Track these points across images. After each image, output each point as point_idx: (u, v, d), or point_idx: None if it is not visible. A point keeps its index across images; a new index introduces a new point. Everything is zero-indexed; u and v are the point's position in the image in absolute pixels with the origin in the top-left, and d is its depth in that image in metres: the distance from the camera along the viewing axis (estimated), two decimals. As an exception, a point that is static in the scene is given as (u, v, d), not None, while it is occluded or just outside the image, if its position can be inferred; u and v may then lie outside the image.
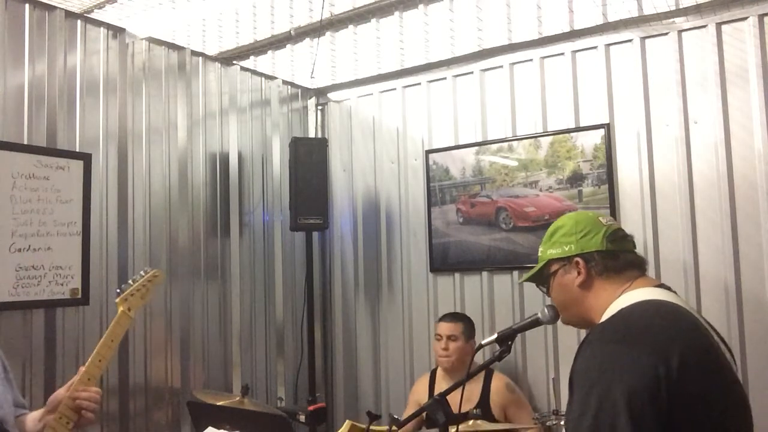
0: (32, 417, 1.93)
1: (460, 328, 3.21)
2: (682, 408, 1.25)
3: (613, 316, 1.45)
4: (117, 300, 2.05)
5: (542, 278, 1.68)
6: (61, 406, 1.85)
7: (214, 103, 3.65)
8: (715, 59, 2.96)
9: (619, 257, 1.57)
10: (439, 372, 3.29)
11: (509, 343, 1.77)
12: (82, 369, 1.92)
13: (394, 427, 1.72)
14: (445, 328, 3.22)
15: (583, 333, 3.18)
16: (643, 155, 3.12)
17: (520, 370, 3.39)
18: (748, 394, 1.45)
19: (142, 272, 2.12)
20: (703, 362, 1.32)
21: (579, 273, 1.57)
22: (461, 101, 3.69)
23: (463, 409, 2.27)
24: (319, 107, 4.29)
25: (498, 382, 3.13)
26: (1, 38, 2.69)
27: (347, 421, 2.12)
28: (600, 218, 1.63)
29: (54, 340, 2.77)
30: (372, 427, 1.81)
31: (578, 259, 1.58)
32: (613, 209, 3.15)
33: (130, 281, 2.09)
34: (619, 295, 1.51)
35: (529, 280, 1.73)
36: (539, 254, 1.69)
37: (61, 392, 1.89)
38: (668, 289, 1.53)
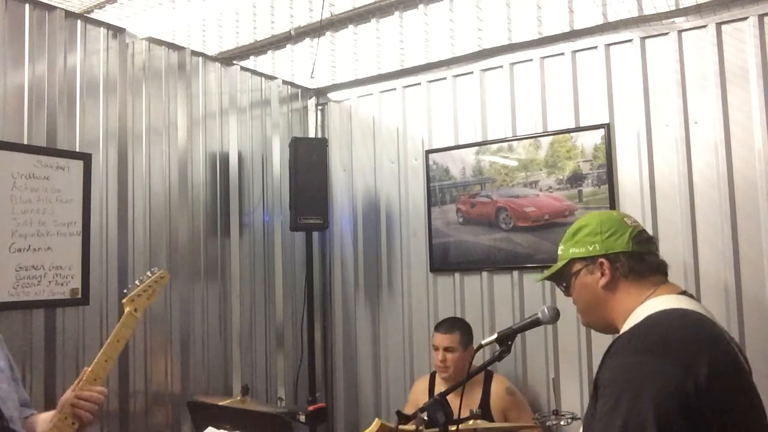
0: (43, 418, 1.95)
1: (456, 338, 3.12)
2: (709, 418, 1.25)
3: (638, 324, 1.43)
4: (123, 300, 2.06)
5: (562, 277, 1.65)
6: (66, 406, 1.87)
7: (214, 103, 3.65)
8: (715, 59, 2.96)
9: (644, 260, 1.55)
10: (438, 376, 3.27)
11: (509, 343, 1.76)
12: (87, 370, 1.94)
13: (421, 428, 1.71)
14: (442, 339, 3.13)
15: (585, 334, 3.19)
16: (643, 155, 3.12)
17: (520, 370, 3.39)
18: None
19: (149, 273, 2.15)
20: (729, 372, 1.32)
21: (603, 274, 1.55)
22: (461, 101, 3.69)
23: (463, 414, 2.26)
24: (319, 107, 4.29)
25: (498, 385, 3.11)
26: (1, 38, 2.69)
27: (376, 419, 2.12)
28: (625, 219, 1.61)
29: (54, 340, 2.77)
30: (401, 427, 1.80)
31: (603, 259, 1.55)
32: (613, 209, 3.14)
33: (136, 282, 2.12)
34: (643, 301, 1.49)
35: (548, 278, 1.71)
36: (559, 252, 1.66)
37: (69, 393, 1.91)
38: (691, 296, 1.51)
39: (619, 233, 1.57)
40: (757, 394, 1.38)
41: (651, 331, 1.40)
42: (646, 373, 1.29)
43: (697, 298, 2.88)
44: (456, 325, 3.21)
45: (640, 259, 1.55)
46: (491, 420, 3.00)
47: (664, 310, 1.44)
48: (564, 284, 1.67)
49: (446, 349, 3.11)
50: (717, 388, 1.27)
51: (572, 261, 1.61)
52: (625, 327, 1.48)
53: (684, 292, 1.53)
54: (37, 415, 1.98)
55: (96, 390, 1.90)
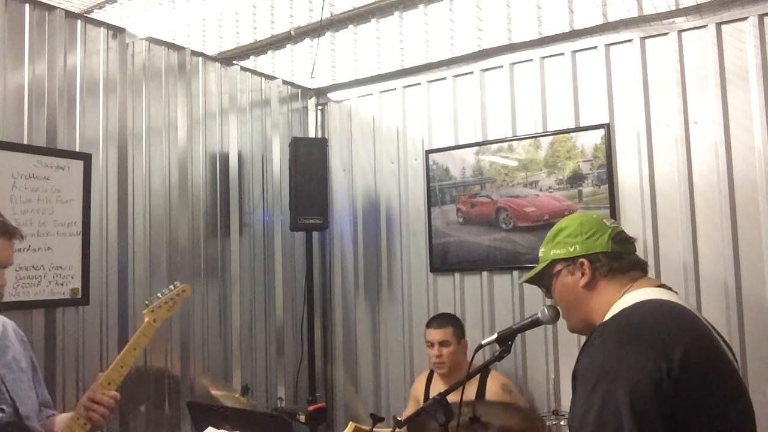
0: (61, 419, 2.01)
1: (450, 332, 3.14)
2: (684, 405, 1.26)
3: (614, 316, 1.45)
4: (144, 311, 2.15)
5: (544, 279, 1.67)
6: (79, 407, 1.94)
7: (214, 103, 3.65)
8: (715, 59, 2.96)
9: (623, 258, 1.57)
10: (435, 372, 3.27)
11: (509, 343, 1.77)
12: (102, 375, 2.00)
13: (397, 430, 1.72)
14: (436, 334, 3.15)
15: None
16: (643, 155, 3.12)
17: (520, 370, 3.39)
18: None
19: (171, 286, 2.24)
20: (705, 360, 1.32)
21: (583, 274, 1.57)
22: (461, 101, 3.69)
23: (462, 414, 2.26)
24: (319, 107, 4.29)
25: (494, 382, 3.11)
26: (1, 38, 2.69)
27: (351, 423, 2.12)
28: (604, 220, 1.64)
29: (54, 340, 2.77)
30: (375, 429, 1.80)
31: (583, 260, 1.57)
32: (613, 209, 3.15)
33: (159, 294, 2.21)
34: (621, 296, 1.51)
35: (530, 280, 1.72)
36: (540, 255, 1.69)
37: (86, 396, 1.98)
38: (669, 289, 1.53)
39: (599, 234, 1.59)
40: (740, 381, 1.39)
41: (625, 321, 1.42)
42: (619, 360, 1.30)
43: (697, 298, 2.91)
44: (448, 320, 3.24)
45: (619, 259, 1.57)
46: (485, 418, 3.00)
47: (640, 301, 1.46)
48: (545, 285, 1.68)
49: (441, 344, 3.12)
50: (692, 374, 1.27)
51: (553, 262, 1.64)
52: (604, 320, 1.50)
53: (662, 285, 1.54)
54: (56, 415, 2.05)
55: (109, 395, 1.97)
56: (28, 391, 1.95)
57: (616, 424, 1.24)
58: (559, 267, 1.62)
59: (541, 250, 1.69)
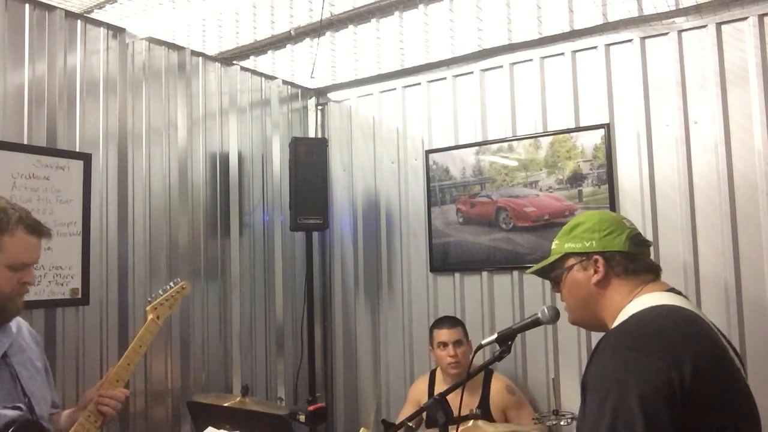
0: (65, 415, 2.07)
1: (461, 331, 3.17)
2: (695, 413, 1.25)
3: (624, 322, 1.44)
4: (147, 308, 2.23)
5: (554, 272, 1.66)
6: (90, 405, 2.00)
7: (214, 103, 3.65)
8: (715, 59, 2.96)
9: (638, 260, 1.56)
10: (439, 374, 3.27)
11: (509, 343, 1.76)
12: (111, 372, 2.08)
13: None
14: (450, 334, 3.14)
15: (585, 334, 3.20)
16: (643, 155, 3.12)
17: (520, 370, 3.39)
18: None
19: (171, 283, 2.31)
20: (715, 367, 1.32)
21: (596, 271, 1.56)
22: (461, 101, 3.69)
23: (463, 412, 2.26)
24: (319, 107, 4.29)
25: (498, 383, 3.11)
26: (1, 38, 2.69)
27: (362, 429, 2.13)
28: (624, 220, 1.63)
29: (54, 340, 2.77)
30: None
31: (598, 256, 1.56)
32: (613, 209, 3.15)
33: (160, 291, 2.27)
34: (631, 300, 1.50)
35: (538, 272, 1.71)
36: (553, 247, 1.67)
37: (92, 392, 2.05)
38: (679, 293, 1.52)
39: (617, 232, 1.57)
40: (747, 388, 1.39)
41: (635, 328, 1.40)
42: (631, 369, 1.29)
43: (697, 298, 2.91)
44: (457, 320, 3.26)
45: (635, 260, 1.55)
46: (490, 418, 3.00)
47: (649, 306, 1.44)
48: (554, 279, 1.67)
49: (455, 344, 3.12)
50: (702, 382, 1.27)
51: (566, 255, 1.62)
52: (614, 325, 1.49)
53: (672, 289, 1.53)
54: (61, 413, 2.09)
55: (119, 390, 2.05)
56: (44, 390, 1.98)
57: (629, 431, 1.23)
58: (572, 261, 1.60)
59: (555, 242, 1.67)
